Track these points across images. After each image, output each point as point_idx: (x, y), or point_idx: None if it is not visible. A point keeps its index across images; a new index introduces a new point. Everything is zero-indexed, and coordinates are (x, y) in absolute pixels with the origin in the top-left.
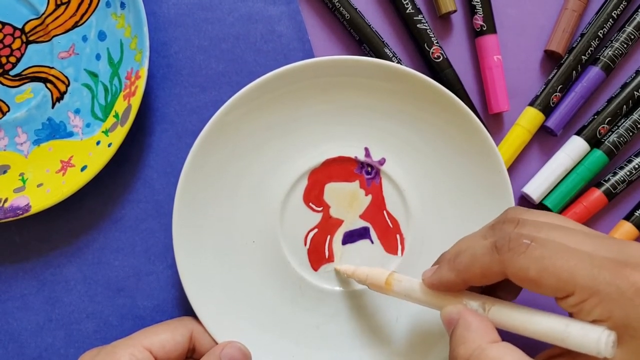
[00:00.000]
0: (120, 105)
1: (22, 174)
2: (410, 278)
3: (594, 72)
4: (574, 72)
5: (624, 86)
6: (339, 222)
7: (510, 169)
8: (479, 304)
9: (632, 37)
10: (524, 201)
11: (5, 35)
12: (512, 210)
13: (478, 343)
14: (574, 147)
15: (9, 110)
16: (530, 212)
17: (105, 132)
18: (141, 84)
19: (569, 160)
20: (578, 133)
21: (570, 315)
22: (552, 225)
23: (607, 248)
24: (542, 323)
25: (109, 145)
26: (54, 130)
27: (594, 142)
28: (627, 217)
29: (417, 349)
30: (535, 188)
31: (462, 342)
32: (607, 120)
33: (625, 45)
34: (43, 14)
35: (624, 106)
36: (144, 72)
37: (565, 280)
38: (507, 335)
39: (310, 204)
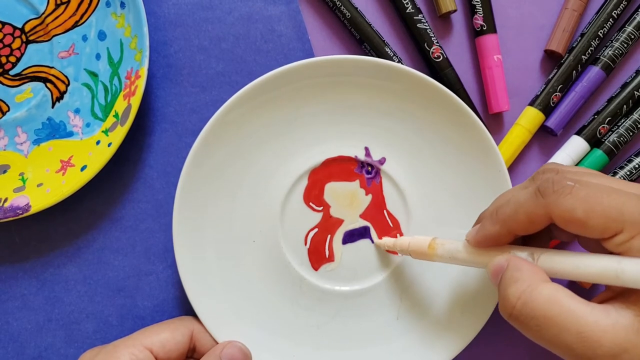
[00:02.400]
0: (120, 105)
1: (22, 174)
2: (453, 240)
3: (594, 72)
4: (574, 71)
5: (624, 86)
6: (339, 222)
7: (511, 169)
8: (527, 254)
9: (633, 36)
10: None
11: (5, 35)
12: (548, 164)
13: (529, 281)
14: (574, 146)
15: (8, 110)
16: (567, 166)
17: (105, 132)
18: (141, 84)
19: (569, 160)
20: (578, 133)
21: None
22: (593, 173)
23: None
24: (594, 264)
25: (109, 145)
26: (54, 130)
27: (594, 141)
28: None
29: (418, 347)
30: None
31: (513, 282)
32: (607, 120)
33: (625, 45)
34: (43, 13)
35: (624, 106)
36: (143, 72)
37: (613, 218)
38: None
39: (311, 203)
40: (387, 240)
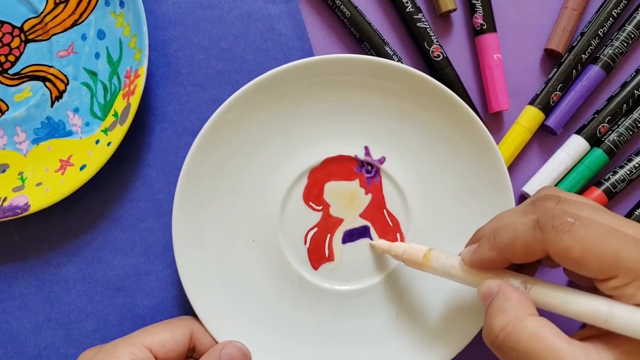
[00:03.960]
0: (119, 104)
1: (21, 173)
2: (450, 254)
3: (594, 71)
4: (574, 71)
5: (624, 85)
6: (339, 221)
7: (510, 168)
8: (520, 282)
9: (633, 36)
10: (524, 200)
11: (4, 34)
12: (549, 189)
13: (516, 313)
14: (574, 146)
15: (7, 109)
16: (567, 193)
17: (105, 131)
18: (140, 83)
19: (569, 159)
20: (578, 132)
21: (609, 298)
22: (593, 206)
23: None
24: (585, 303)
25: (108, 144)
26: (53, 129)
27: (594, 141)
28: (627, 216)
29: (418, 346)
30: (536, 187)
31: (500, 312)
32: (607, 119)
33: (625, 44)
34: (42, 12)
35: (624, 105)
36: (143, 71)
37: (609, 263)
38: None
39: (310, 202)
40: (382, 243)
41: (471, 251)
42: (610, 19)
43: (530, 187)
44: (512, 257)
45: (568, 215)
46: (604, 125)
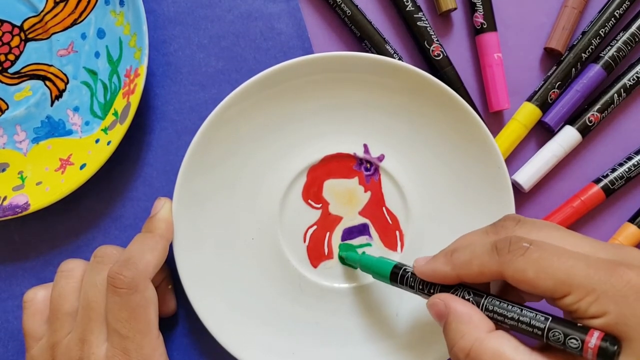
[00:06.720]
0: (119, 103)
1: (21, 172)
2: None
3: (594, 70)
4: (574, 69)
5: (617, 79)
6: (338, 219)
7: (507, 164)
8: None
9: (636, 37)
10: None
11: (4, 33)
12: (511, 214)
13: (476, 335)
14: (566, 136)
15: (7, 108)
16: (527, 219)
17: (105, 130)
18: (140, 82)
19: (561, 149)
20: (570, 123)
21: (568, 314)
22: (552, 225)
23: (603, 250)
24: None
25: (108, 143)
26: (53, 128)
27: (586, 131)
28: (632, 220)
29: (418, 344)
30: (527, 176)
31: (460, 336)
32: (597, 109)
33: (628, 46)
34: (42, 11)
35: (615, 95)
36: (143, 70)
37: (562, 281)
38: None
39: (310, 200)
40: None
41: (425, 261)
42: (613, 19)
43: (521, 176)
44: (465, 276)
45: (523, 241)
46: (594, 115)
